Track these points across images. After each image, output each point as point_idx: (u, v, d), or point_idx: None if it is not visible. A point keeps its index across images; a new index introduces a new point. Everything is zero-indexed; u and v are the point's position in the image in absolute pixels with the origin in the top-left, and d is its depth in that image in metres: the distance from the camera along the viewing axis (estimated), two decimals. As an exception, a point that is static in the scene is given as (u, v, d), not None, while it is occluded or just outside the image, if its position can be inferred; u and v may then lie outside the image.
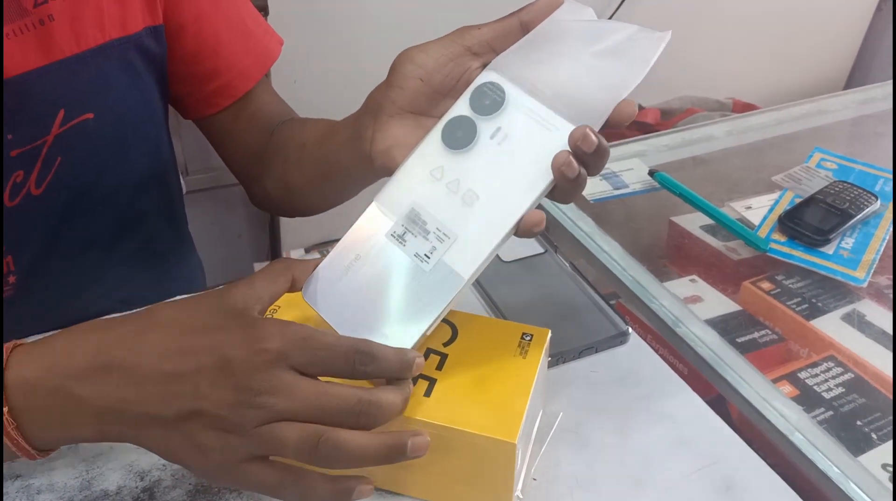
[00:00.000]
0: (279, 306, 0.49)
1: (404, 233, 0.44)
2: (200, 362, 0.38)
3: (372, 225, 0.45)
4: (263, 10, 1.10)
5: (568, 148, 0.43)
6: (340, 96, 1.38)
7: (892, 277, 0.71)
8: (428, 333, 0.44)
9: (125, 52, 0.59)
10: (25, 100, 0.54)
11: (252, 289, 0.41)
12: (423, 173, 0.45)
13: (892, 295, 0.69)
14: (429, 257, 0.44)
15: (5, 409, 0.39)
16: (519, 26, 0.47)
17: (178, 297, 0.42)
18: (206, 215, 1.44)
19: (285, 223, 1.43)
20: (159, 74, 0.64)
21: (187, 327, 0.39)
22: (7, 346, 0.41)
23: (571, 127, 0.43)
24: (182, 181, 1.33)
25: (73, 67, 0.55)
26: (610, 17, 1.45)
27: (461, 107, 0.46)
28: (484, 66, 0.48)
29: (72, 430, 0.41)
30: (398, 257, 0.44)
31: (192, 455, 0.39)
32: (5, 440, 0.40)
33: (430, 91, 0.48)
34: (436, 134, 0.46)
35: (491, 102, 0.45)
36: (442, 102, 0.48)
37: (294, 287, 0.45)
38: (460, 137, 0.45)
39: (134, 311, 0.42)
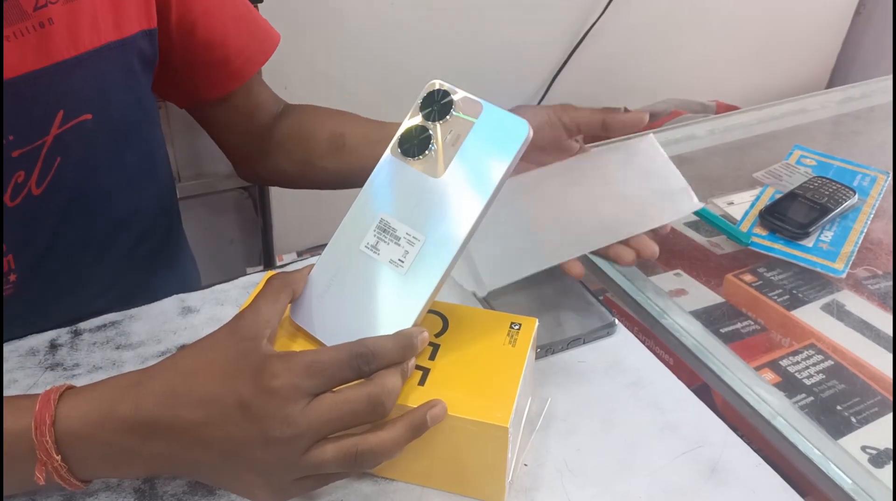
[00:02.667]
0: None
1: (377, 243, 0.47)
2: (224, 407, 0.41)
3: (346, 240, 0.48)
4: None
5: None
6: (331, 99, 1.39)
7: (874, 270, 0.73)
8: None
9: (121, 54, 0.60)
10: (25, 101, 0.55)
11: (258, 315, 0.44)
12: (386, 185, 0.48)
13: (871, 286, 0.71)
14: (402, 262, 0.46)
15: (58, 457, 0.42)
16: (601, 124, 0.60)
17: (201, 339, 0.45)
18: (199, 222, 1.45)
19: (278, 228, 1.44)
20: (151, 77, 0.65)
21: (206, 375, 0.42)
22: (54, 390, 0.44)
23: None
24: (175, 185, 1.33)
25: (72, 69, 0.56)
26: (594, 24, 1.47)
27: (413, 118, 0.49)
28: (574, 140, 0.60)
29: (123, 472, 0.46)
30: (374, 266, 0.47)
31: (243, 489, 0.43)
32: (55, 477, 0.43)
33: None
34: (393, 148, 0.49)
35: (440, 107, 0.48)
36: (535, 155, 0.61)
37: (295, 296, 0.47)
38: (417, 146, 0.48)
39: (162, 360, 0.45)
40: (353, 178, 0.69)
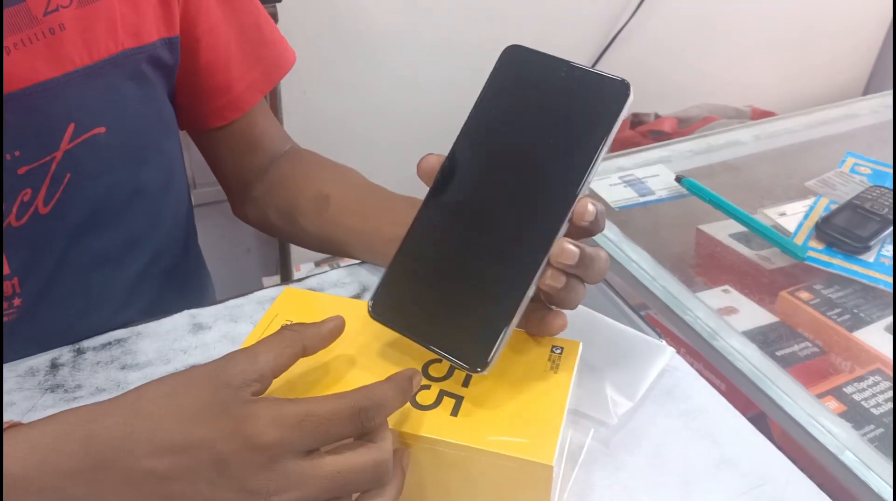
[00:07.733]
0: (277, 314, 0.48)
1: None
2: (195, 460, 0.35)
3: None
4: (273, 18, 1.07)
5: None
6: (350, 105, 1.36)
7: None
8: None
9: (138, 63, 0.56)
10: (34, 114, 0.51)
11: (254, 364, 0.37)
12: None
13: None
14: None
15: None
16: None
17: (170, 374, 0.39)
18: (215, 229, 1.41)
19: (295, 237, 1.41)
20: (171, 86, 0.61)
21: (176, 417, 0.36)
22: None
23: None
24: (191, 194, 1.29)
25: (85, 78, 0.52)
26: (623, 26, 1.42)
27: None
28: None
29: None
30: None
31: None
32: None
33: None
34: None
35: None
36: None
37: (306, 354, 0.41)
38: None
39: (123, 394, 0.38)
40: (331, 247, 0.62)
